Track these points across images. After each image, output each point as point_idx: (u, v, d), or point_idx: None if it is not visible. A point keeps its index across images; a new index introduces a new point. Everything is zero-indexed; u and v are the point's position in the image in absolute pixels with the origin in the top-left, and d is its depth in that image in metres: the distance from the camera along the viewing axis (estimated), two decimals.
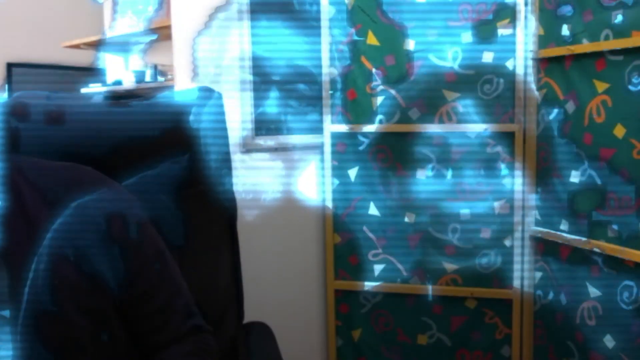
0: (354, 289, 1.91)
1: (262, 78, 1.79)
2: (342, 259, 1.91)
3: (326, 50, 1.84)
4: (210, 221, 1.23)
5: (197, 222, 1.18)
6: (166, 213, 1.12)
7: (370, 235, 1.88)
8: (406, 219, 1.84)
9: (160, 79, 2.31)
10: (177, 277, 1.02)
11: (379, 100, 1.82)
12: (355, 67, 1.83)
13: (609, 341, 1.48)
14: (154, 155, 1.13)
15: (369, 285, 1.89)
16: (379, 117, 1.83)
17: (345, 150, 1.86)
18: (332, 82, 1.84)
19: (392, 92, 1.81)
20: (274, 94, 1.80)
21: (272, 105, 1.79)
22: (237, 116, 1.78)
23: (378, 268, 1.88)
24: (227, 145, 1.27)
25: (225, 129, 1.26)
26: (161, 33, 2.19)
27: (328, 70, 1.84)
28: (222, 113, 1.27)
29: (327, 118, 1.86)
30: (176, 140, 1.15)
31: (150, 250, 0.98)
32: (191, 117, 1.17)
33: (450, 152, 1.78)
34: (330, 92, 1.84)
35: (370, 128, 1.83)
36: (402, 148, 1.82)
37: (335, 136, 1.86)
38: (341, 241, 1.90)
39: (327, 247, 1.91)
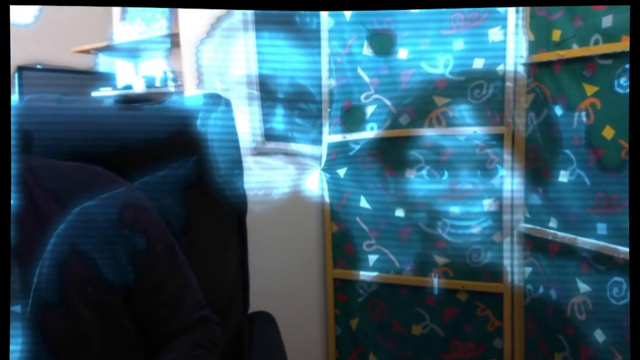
0: (350, 278, 1.78)
1: (266, 93, 1.72)
2: (339, 248, 1.79)
3: (325, 62, 1.71)
4: (219, 217, 1.18)
5: (206, 218, 1.13)
6: (176, 210, 1.07)
7: (363, 226, 1.75)
8: (397, 213, 1.71)
9: (170, 84, 2.24)
10: (185, 271, 0.97)
11: (372, 108, 1.70)
12: (351, 78, 1.73)
13: (599, 335, 1.36)
14: (163, 157, 1.08)
15: (364, 275, 1.76)
16: (371, 124, 1.70)
17: (336, 157, 1.75)
18: (330, 93, 1.76)
19: (385, 100, 1.69)
20: (280, 107, 1.73)
21: (279, 113, 1.73)
22: (247, 123, 1.72)
23: (372, 258, 1.76)
24: (237, 148, 1.23)
25: (235, 133, 1.21)
26: (171, 40, 2.13)
27: (327, 82, 1.74)
28: (232, 118, 1.22)
29: (325, 129, 1.74)
30: (184, 143, 1.11)
31: (160, 246, 0.93)
32: (199, 122, 1.13)
33: (439, 153, 1.64)
34: (329, 103, 1.76)
35: (362, 135, 1.70)
36: (392, 151, 1.69)
37: (330, 146, 1.74)
38: (338, 230, 1.77)
39: (326, 235, 1.78)
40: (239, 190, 1.25)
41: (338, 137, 1.74)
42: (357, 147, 1.73)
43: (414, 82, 1.65)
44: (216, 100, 1.21)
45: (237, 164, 1.25)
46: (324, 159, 1.78)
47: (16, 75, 1.20)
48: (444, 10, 1.61)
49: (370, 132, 1.71)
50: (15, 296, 0.89)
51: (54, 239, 0.86)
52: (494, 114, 1.61)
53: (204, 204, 1.14)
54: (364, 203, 1.75)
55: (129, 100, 1.61)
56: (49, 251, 0.85)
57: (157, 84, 2.14)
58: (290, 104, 1.73)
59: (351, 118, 1.73)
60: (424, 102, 1.65)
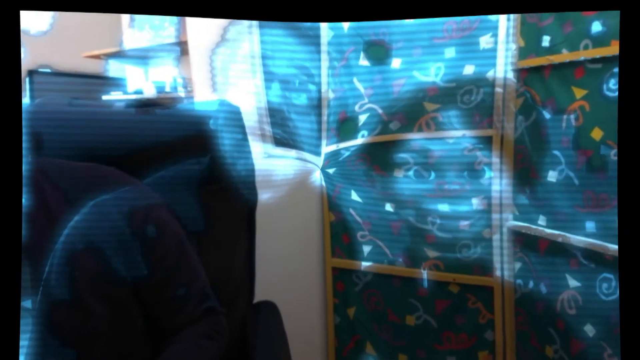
0: (347, 267, 1.73)
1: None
2: (336, 237, 1.73)
3: (325, 74, 1.66)
4: (230, 212, 1.17)
5: (217, 213, 1.11)
6: (188, 206, 1.05)
7: (357, 217, 1.70)
8: (387, 208, 1.65)
9: (180, 90, 2.17)
10: (194, 264, 0.95)
11: (364, 117, 1.64)
12: (347, 89, 1.67)
13: (589, 330, 1.31)
14: (174, 158, 1.06)
15: (359, 264, 1.70)
16: (362, 132, 1.65)
17: (328, 164, 1.70)
18: (328, 105, 1.69)
19: (377, 109, 1.63)
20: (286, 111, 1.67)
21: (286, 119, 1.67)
22: (257, 127, 1.66)
23: (366, 249, 1.70)
24: (248, 149, 1.23)
25: (245, 136, 1.22)
26: (180, 47, 2.07)
27: (327, 93, 1.68)
28: (242, 124, 1.21)
29: (324, 141, 1.69)
30: (196, 145, 1.10)
31: (170, 242, 0.91)
32: (210, 125, 1.12)
33: (427, 155, 1.59)
34: (327, 114, 1.69)
35: (353, 143, 1.65)
36: (380, 154, 1.64)
37: (325, 156, 1.69)
38: (335, 219, 1.72)
39: (325, 224, 1.73)
40: (250, 186, 1.24)
41: (332, 147, 1.67)
42: (347, 153, 1.66)
43: (406, 90, 1.59)
44: (226, 106, 1.20)
45: (247, 162, 1.24)
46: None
47: (27, 79, 1.14)
48: (436, 19, 1.54)
49: (361, 139, 1.64)
50: (26, 291, 0.85)
51: (67, 231, 0.84)
52: (483, 117, 1.54)
53: (217, 200, 1.12)
54: (354, 196, 1.69)
55: (140, 105, 1.57)
56: (61, 243, 0.82)
57: (167, 89, 2.07)
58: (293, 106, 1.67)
59: (345, 128, 1.67)
60: (414, 109, 1.60)
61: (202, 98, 1.69)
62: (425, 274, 1.63)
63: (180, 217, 0.99)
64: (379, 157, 1.65)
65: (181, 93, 2.17)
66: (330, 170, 1.71)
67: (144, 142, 1.05)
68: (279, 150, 1.69)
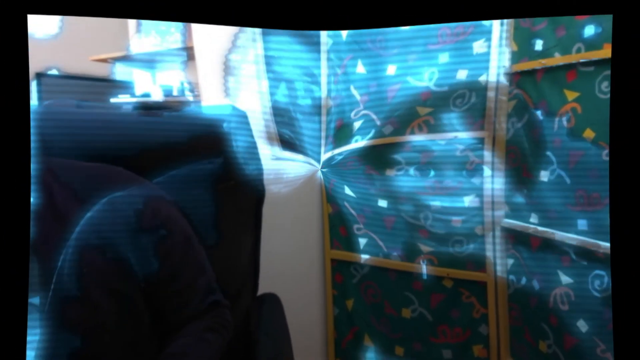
0: (345, 259, 1.69)
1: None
2: (334, 229, 1.69)
3: (324, 82, 1.63)
4: (239, 208, 1.17)
5: (227, 209, 1.11)
6: (197, 204, 1.04)
7: (351, 210, 1.66)
8: (380, 203, 1.62)
9: (187, 94, 2.12)
10: (201, 259, 0.95)
11: (359, 123, 1.61)
12: (345, 97, 1.62)
13: (582, 325, 1.27)
14: (186, 157, 1.06)
15: (356, 256, 1.66)
16: (356, 137, 1.62)
17: (323, 168, 1.67)
18: (329, 112, 1.64)
19: (372, 115, 1.60)
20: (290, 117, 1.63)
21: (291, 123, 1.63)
22: (265, 130, 1.62)
23: (362, 241, 1.66)
24: (257, 150, 1.24)
25: (253, 139, 1.23)
26: (186, 52, 2.03)
27: (325, 102, 1.64)
28: (249, 127, 1.23)
29: (322, 149, 1.65)
30: (209, 145, 1.10)
31: (178, 238, 0.91)
32: (224, 128, 1.14)
33: (419, 155, 1.55)
34: (327, 122, 1.64)
35: (346, 148, 1.62)
36: (373, 156, 1.60)
37: (322, 162, 1.66)
38: (333, 211, 1.68)
39: (324, 216, 1.68)
40: (258, 184, 1.25)
41: (328, 155, 1.63)
42: (340, 157, 1.60)
43: (400, 96, 1.55)
44: (235, 110, 1.23)
45: (257, 162, 1.25)
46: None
47: (35, 81, 1.11)
48: (431, 26, 1.49)
49: (354, 144, 1.59)
50: (34, 289, 0.81)
51: (80, 228, 0.82)
52: (475, 120, 1.49)
53: (227, 196, 1.11)
54: (348, 191, 1.64)
55: (147, 107, 1.52)
56: (73, 239, 0.81)
57: (175, 93, 2.01)
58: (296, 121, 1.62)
59: (341, 135, 1.62)
60: (407, 113, 1.57)
61: (209, 102, 1.64)
62: (424, 266, 1.58)
63: (192, 213, 0.98)
64: (371, 159, 1.62)
65: (188, 97, 2.11)
66: (325, 169, 1.66)
67: (151, 143, 1.05)
68: (286, 154, 1.65)
